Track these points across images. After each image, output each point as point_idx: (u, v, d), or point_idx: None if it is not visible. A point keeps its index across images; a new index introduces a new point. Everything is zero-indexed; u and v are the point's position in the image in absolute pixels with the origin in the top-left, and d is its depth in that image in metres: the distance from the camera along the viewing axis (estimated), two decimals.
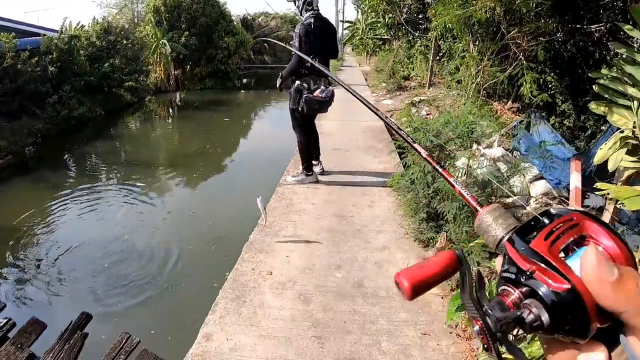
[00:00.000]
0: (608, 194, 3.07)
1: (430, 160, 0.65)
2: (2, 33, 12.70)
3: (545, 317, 0.38)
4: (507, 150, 6.13)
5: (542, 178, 5.37)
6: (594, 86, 3.75)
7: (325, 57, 5.18)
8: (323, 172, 5.90)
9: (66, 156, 11.36)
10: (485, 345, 0.40)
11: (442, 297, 3.26)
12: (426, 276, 0.44)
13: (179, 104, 18.52)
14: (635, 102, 3.30)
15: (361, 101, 1.03)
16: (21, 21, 16.69)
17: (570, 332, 0.38)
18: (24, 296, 5.27)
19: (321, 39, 5.00)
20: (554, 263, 0.38)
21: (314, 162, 5.82)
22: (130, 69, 17.75)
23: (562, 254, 0.41)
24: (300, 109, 5.07)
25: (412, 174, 4.15)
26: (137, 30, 20.94)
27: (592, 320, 0.36)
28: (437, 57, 12.26)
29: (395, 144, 7.18)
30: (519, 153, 6.17)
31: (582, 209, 0.37)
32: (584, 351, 0.38)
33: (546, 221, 0.42)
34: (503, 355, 0.42)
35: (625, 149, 3.39)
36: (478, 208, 0.49)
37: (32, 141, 11.72)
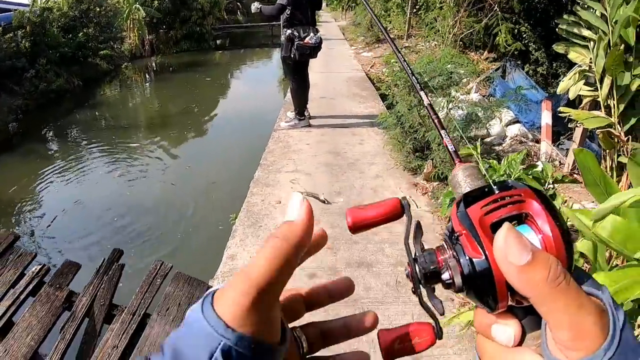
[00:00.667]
0: (570, 116, 3.60)
1: (429, 109, 0.61)
2: None
3: (458, 280, 0.38)
4: (483, 96, 6.64)
5: (517, 122, 5.92)
6: (557, 29, 4.21)
7: (310, 7, 5.55)
8: (311, 117, 6.33)
9: (50, 129, 11.30)
10: (413, 289, 0.42)
11: (432, 213, 3.81)
12: (368, 217, 0.45)
13: (156, 68, 18.27)
14: (591, 42, 3.80)
15: (383, 31, 1.08)
16: None
17: (480, 300, 0.38)
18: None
19: None
20: (478, 232, 0.37)
21: None
22: (104, 37, 17.39)
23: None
24: (292, 55, 5.41)
25: (399, 111, 4.62)
26: None
27: (500, 295, 0.36)
28: (414, 10, 12.53)
29: (379, 92, 7.66)
30: (494, 99, 6.69)
31: (532, 186, 0.39)
32: (500, 322, 0.38)
33: (496, 191, 0.40)
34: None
35: (583, 81, 3.93)
36: (456, 162, 0.48)
37: (13, 118, 11.52)
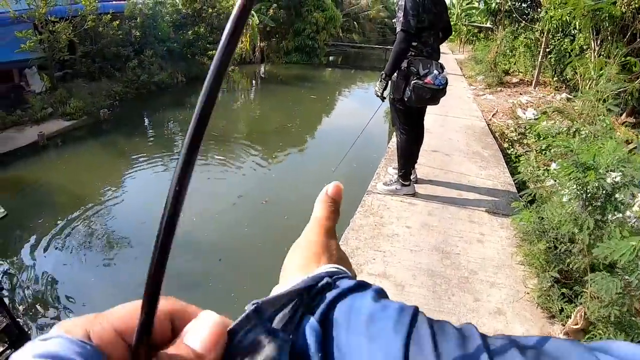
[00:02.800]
0: None
1: None
2: None
3: None
4: None
5: None
6: None
7: (438, 34, 4.16)
8: (417, 181, 4.95)
9: (140, 121, 11.39)
10: None
11: None
12: None
13: (263, 76, 18.04)
14: None
15: None
16: None
17: None
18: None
19: (433, 11, 3.89)
20: None
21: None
22: (214, 38, 17.36)
23: None
24: (406, 99, 4.00)
25: (552, 215, 3.14)
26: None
27: None
28: (546, 53, 10.76)
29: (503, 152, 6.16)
30: None
31: None
32: None
33: None
34: None
35: None
36: None
37: (110, 103, 11.78)
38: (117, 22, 13.41)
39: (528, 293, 3.19)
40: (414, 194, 4.67)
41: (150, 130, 10.95)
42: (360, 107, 12.72)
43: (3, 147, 8.53)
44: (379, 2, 31.92)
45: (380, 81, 4.08)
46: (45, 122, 10.03)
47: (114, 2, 14.96)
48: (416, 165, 4.92)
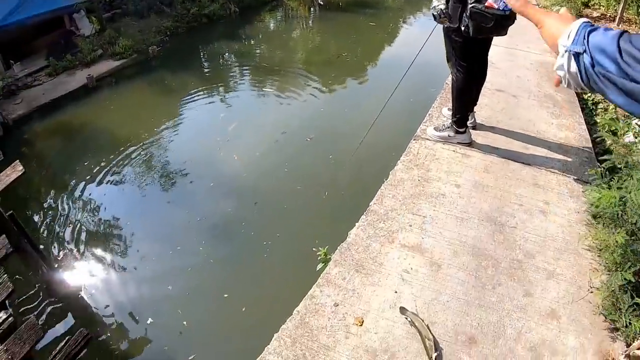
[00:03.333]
0: None
1: None
2: None
3: None
4: None
5: None
6: None
7: None
8: (475, 127, 4.24)
9: (192, 55, 10.93)
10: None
11: None
12: None
13: (321, 2, 16.68)
14: None
15: None
16: None
17: None
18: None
19: None
20: None
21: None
22: None
23: None
24: (463, 28, 3.20)
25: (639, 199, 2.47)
26: None
27: None
28: None
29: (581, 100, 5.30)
30: None
31: None
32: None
33: None
34: None
35: None
36: None
37: (159, 39, 11.37)
38: None
39: (592, 292, 2.59)
40: (470, 143, 3.98)
41: (205, 63, 10.59)
42: (424, 35, 11.22)
43: (55, 93, 8.72)
44: None
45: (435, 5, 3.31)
46: (95, 64, 10.07)
47: None
48: (476, 108, 4.19)
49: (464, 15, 3.10)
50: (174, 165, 6.00)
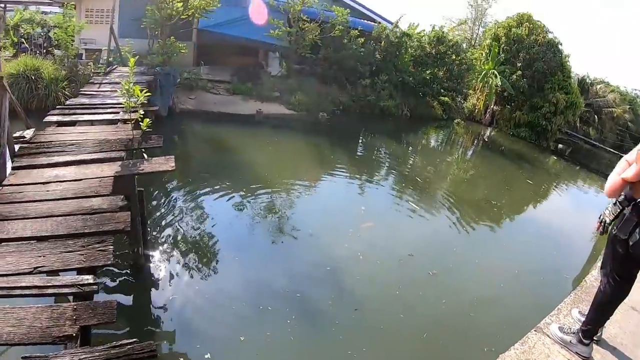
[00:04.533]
0: None
1: None
2: (338, 7, 13.79)
3: None
4: None
5: None
6: None
7: None
8: (599, 341, 3.80)
9: (354, 136, 11.46)
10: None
11: None
12: None
13: (486, 140, 16.92)
14: None
15: None
16: (361, 3, 17.04)
17: None
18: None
19: None
20: None
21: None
22: (449, 85, 17.20)
23: None
24: (631, 243, 2.86)
25: None
26: (470, 50, 20.21)
27: None
28: None
29: None
30: None
31: None
32: None
33: None
34: None
35: None
36: None
37: (332, 109, 12.48)
38: (363, 40, 14.20)
39: None
40: (588, 359, 3.59)
41: (360, 147, 11.09)
42: (571, 209, 10.77)
43: (224, 107, 9.82)
44: (627, 101, 27.94)
45: (615, 204, 3.14)
46: (269, 102, 11.22)
47: (364, 20, 15.84)
48: (607, 322, 3.81)
49: (637, 230, 2.92)
50: (298, 225, 6.11)
